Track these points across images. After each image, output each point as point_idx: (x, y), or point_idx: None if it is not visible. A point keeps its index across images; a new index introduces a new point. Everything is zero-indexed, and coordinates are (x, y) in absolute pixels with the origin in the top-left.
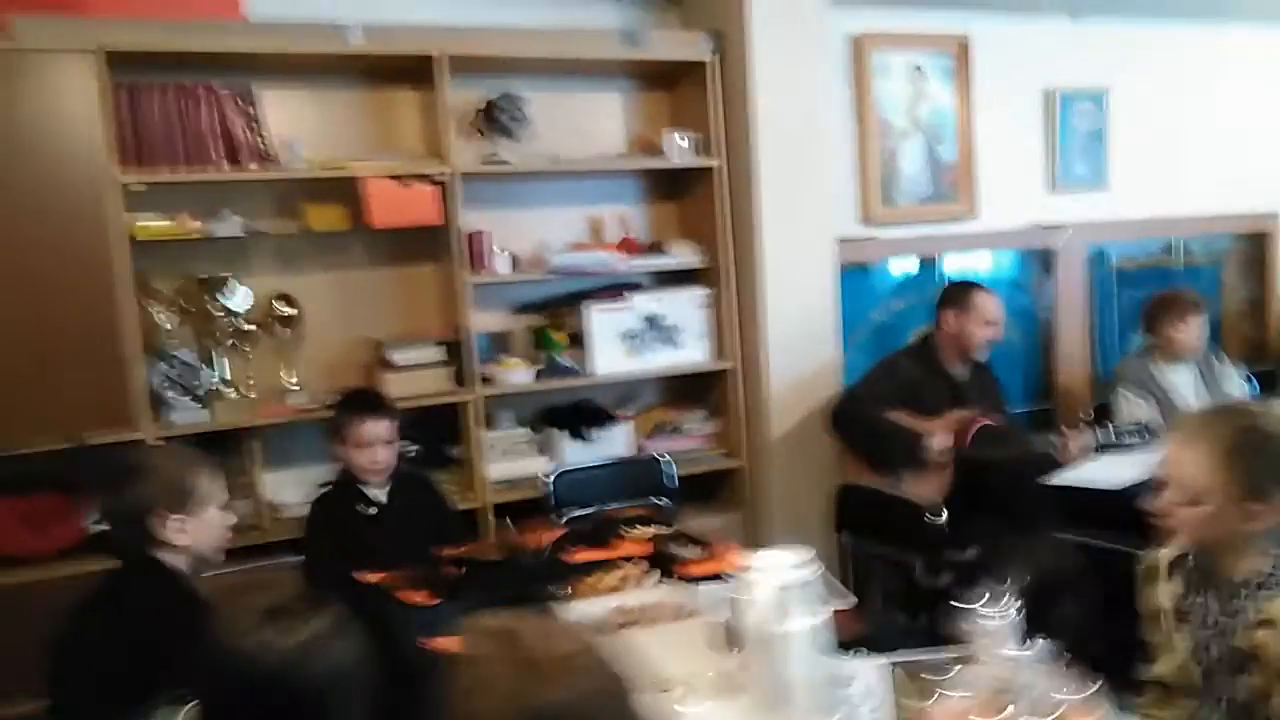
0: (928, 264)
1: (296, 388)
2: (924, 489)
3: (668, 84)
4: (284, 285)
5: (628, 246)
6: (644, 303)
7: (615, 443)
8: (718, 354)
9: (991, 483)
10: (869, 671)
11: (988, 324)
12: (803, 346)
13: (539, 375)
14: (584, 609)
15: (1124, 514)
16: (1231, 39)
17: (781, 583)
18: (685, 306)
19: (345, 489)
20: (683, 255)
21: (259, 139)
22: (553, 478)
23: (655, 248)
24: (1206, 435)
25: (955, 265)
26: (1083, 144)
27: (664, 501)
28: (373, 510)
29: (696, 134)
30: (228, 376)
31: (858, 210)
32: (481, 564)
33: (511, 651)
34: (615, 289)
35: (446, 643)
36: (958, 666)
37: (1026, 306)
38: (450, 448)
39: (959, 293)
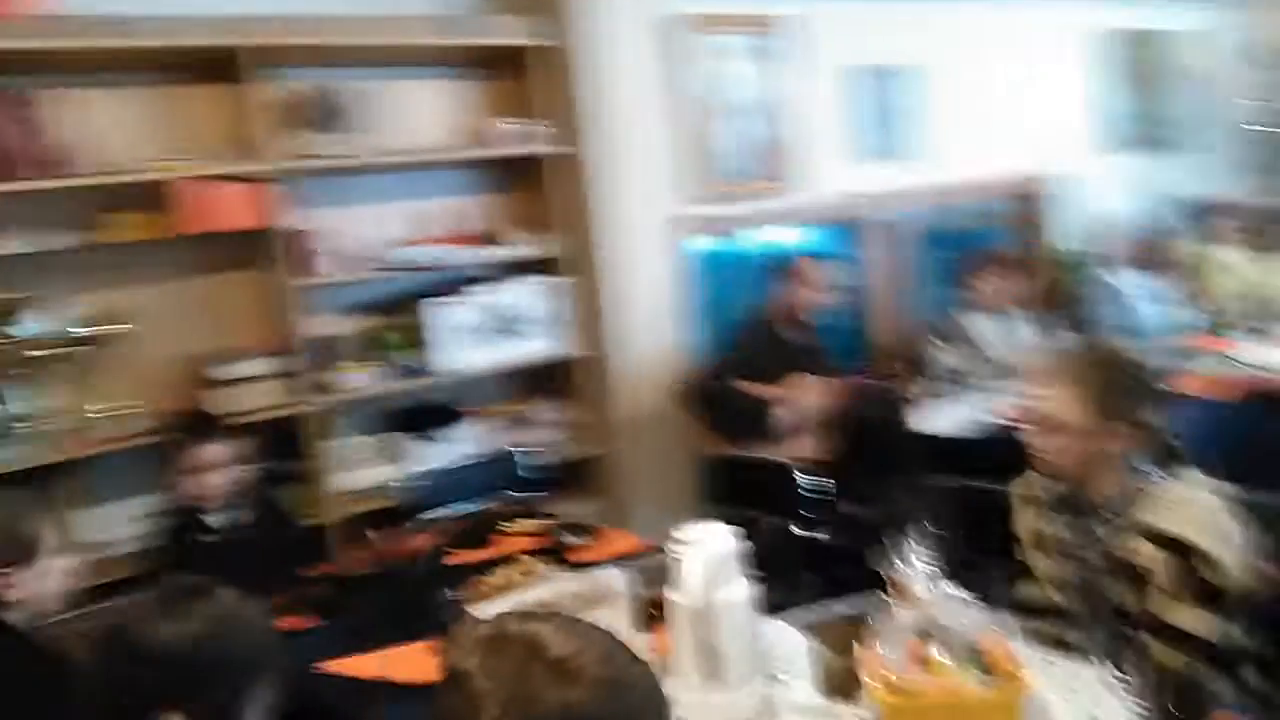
0: (758, 238)
1: (111, 415)
2: (794, 451)
3: (496, 71)
4: (91, 304)
5: (466, 239)
6: (487, 296)
7: (468, 441)
8: (566, 343)
9: (870, 437)
10: (791, 634)
11: (817, 289)
12: (650, 328)
13: (381, 378)
14: (491, 609)
15: (975, 454)
16: (1022, 17)
17: (713, 555)
18: (529, 297)
19: (184, 518)
20: (522, 245)
21: (40, 146)
22: (408, 483)
23: (494, 239)
24: (1071, 370)
25: (782, 238)
26: (888, 117)
27: (526, 495)
28: (215, 538)
29: (526, 121)
30: (26, 410)
31: (686, 189)
32: (356, 579)
33: (534, 654)
34: (455, 284)
35: (345, 664)
36: (876, 616)
37: (845, 274)
38: (294, 463)
39: (783, 262)
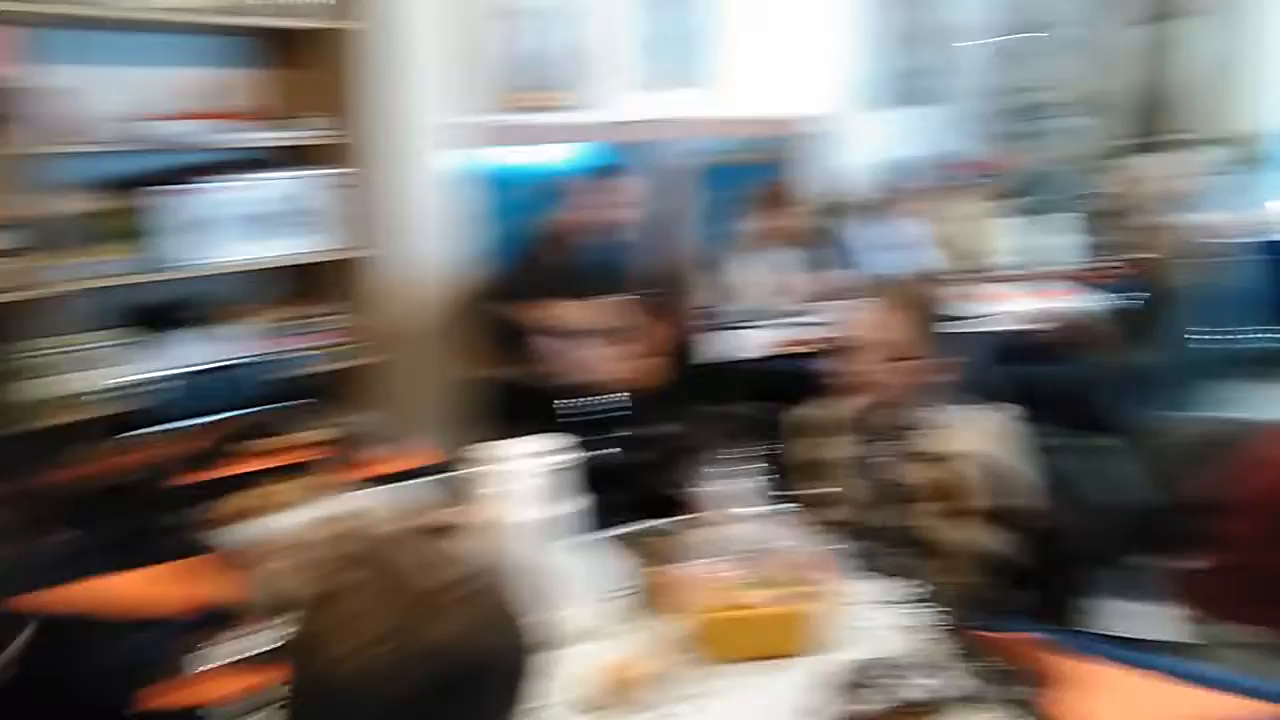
0: (544, 156)
1: None
2: (576, 374)
3: None
4: None
5: (228, 117)
6: (263, 183)
7: (231, 343)
8: (336, 241)
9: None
10: (598, 552)
11: (603, 204)
12: (429, 233)
13: (122, 267)
14: (277, 524)
15: (765, 381)
16: None
17: (536, 471)
18: (297, 188)
19: None
20: (292, 130)
21: None
22: (152, 388)
23: (261, 121)
24: (902, 301)
25: (568, 156)
26: (680, 42)
27: (285, 406)
28: None
29: None
30: None
31: (476, 93)
32: (94, 493)
33: (389, 582)
34: (214, 167)
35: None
36: (678, 535)
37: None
38: (12, 359)
39: (572, 178)
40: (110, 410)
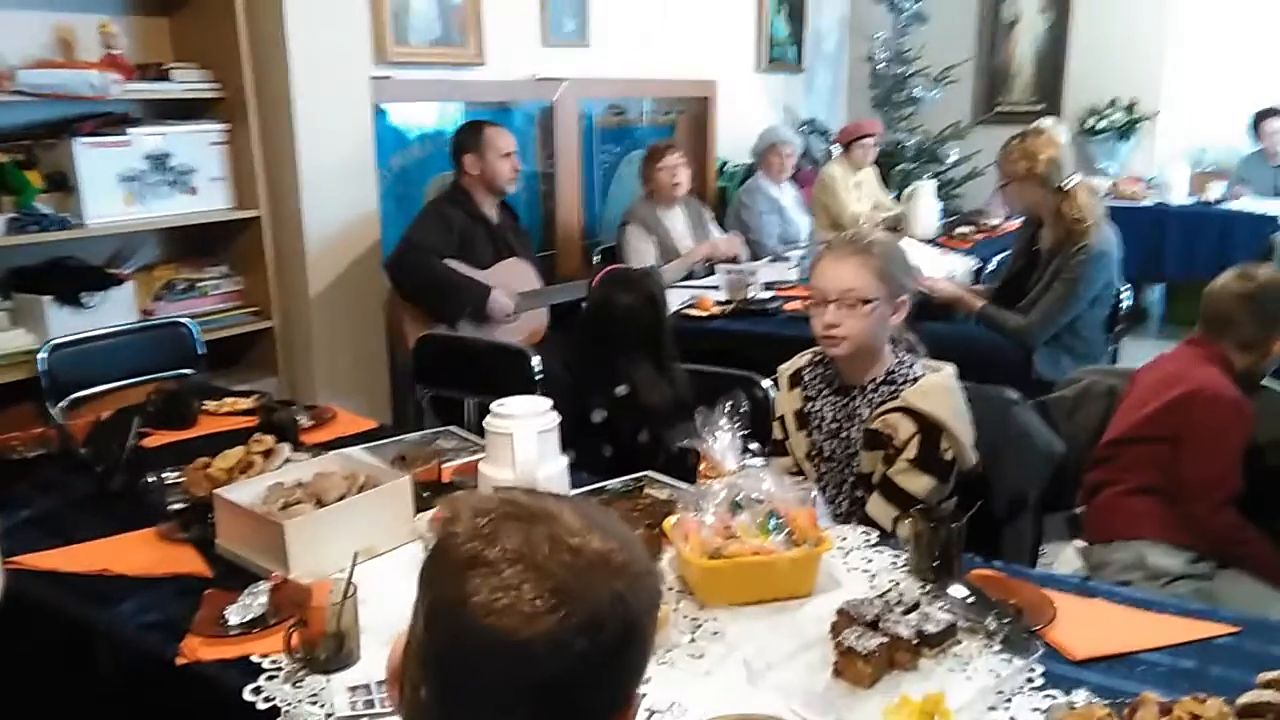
0: (446, 114)
1: None
2: (512, 334)
3: None
4: None
5: (117, 66)
6: (146, 138)
7: (117, 308)
8: (239, 201)
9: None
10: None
11: (505, 156)
12: (339, 192)
13: (11, 226)
14: (241, 492)
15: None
16: None
17: (535, 428)
18: (197, 144)
19: None
20: (190, 82)
21: None
22: (45, 354)
23: (153, 70)
24: (857, 249)
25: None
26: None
27: (190, 372)
28: None
29: None
30: None
31: (372, 48)
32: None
33: (550, 544)
34: (106, 120)
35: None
36: (686, 483)
37: (528, 159)
38: None
39: (472, 132)
40: (17, 375)
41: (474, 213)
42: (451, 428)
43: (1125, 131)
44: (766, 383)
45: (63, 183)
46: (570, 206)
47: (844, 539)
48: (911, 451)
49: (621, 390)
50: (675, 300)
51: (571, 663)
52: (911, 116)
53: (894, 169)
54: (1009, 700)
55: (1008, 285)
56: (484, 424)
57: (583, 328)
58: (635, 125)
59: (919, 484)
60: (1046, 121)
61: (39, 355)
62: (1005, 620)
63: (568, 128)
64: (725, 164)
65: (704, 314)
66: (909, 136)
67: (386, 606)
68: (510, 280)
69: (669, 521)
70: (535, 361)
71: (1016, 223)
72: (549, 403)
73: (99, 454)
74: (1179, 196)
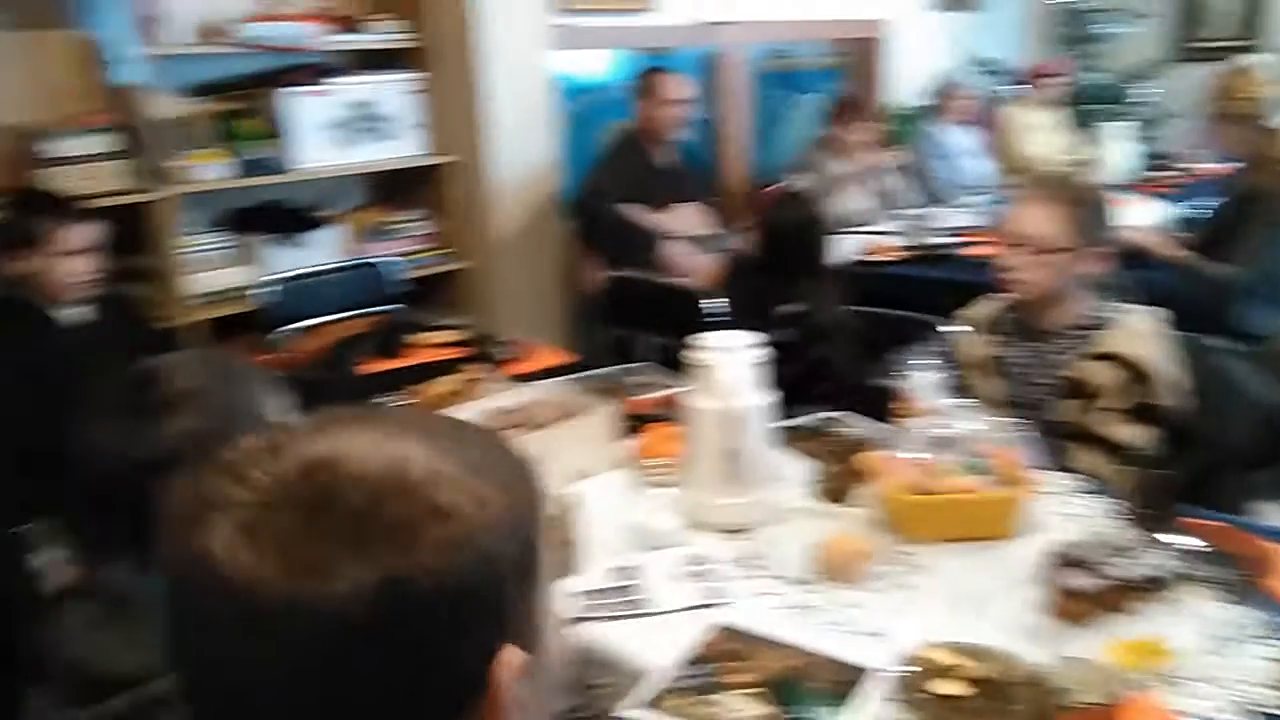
0: (612, 63)
1: None
2: (685, 276)
3: None
4: None
5: (325, 19)
6: (350, 88)
7: (324, 248)
8: (435, 147)
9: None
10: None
11: (670, 103)
12: (523, 137)
13: (230, 171)
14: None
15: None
16: None
17: (743, 361)
18: (394, 93)
19: (22, 312)
20: (386, 33)
21: None
22: (265, 289)
23: (355, 23)
24: (1053, 195)
25: (637, 60)
26: None
27: (390, 308)
28: (71, 336)
29: None
30: None
31: None
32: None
33: None
34: (312, 70)
35: None
36: (891, 421)
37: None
38: (141, 258)
39: (643, 79)
40: (236, 309)
41: (646, 158)
42: (642, 363)
43: None
44: (947, 328)
45: (273, 129)
46: (737, 152)
47: (1048, 484)
48: (1119, 400)
49: (794, 309)
50: (851, 246)
51: None
52: (1100, 55)
53: (1082, 110)
54: (1227, 648)
55: (1212, 232)
56: (687, 357)
57: (758, 247)
58: (801, 69)
59: (1129, 433)
60: (1250, 58)
61: (258, 291)
62: (1225, 568)
63: (733, 72)
64: (899, 107)
65: (881, 259)
66: (1098, 76)
67: (599, 522)
68: (682, 224)
69: (862, 457)
70: (709, 303)
71: (1218, 166)
72: (755, 336)
73: (328, 379)
74: None
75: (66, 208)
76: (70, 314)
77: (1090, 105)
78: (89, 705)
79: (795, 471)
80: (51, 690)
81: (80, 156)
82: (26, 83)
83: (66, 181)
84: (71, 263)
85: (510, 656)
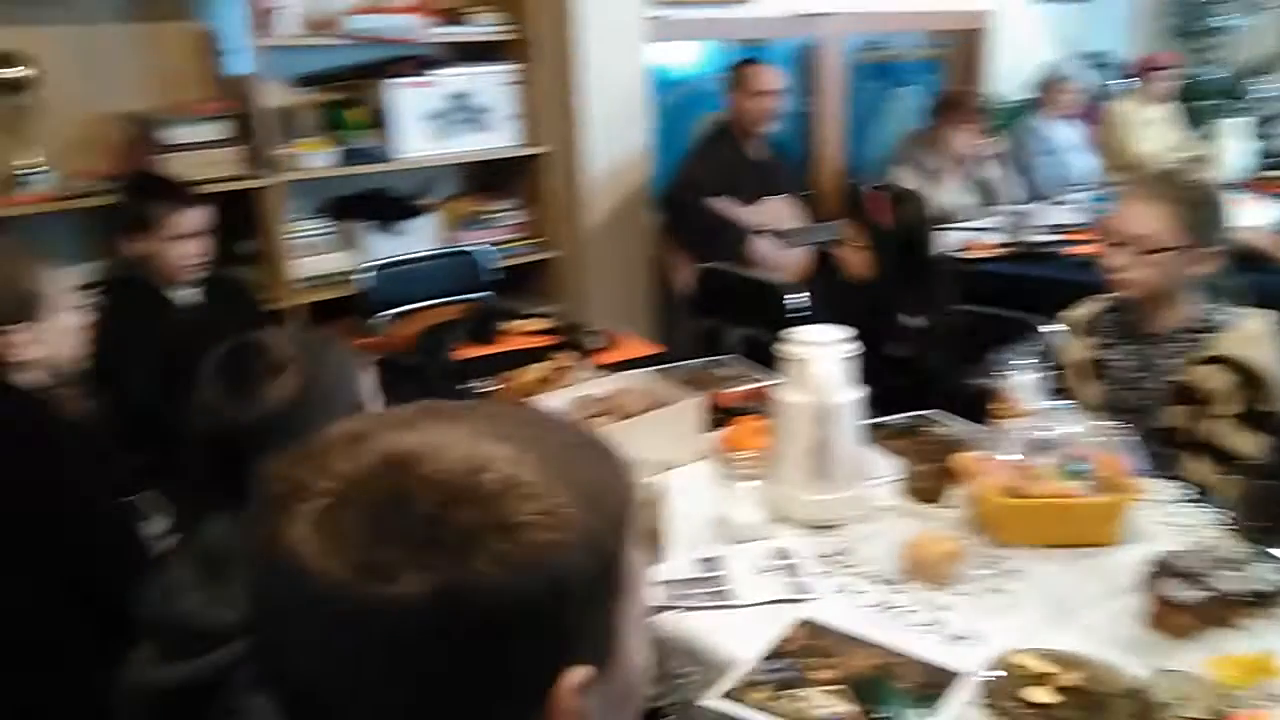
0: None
1: (39, 171)
2: (775, 270)
3: None
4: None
5: (428, 11)
6: (449, 79)
7: (422, 236)
8: (530, 137)
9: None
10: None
11: (760, 94)
12: (616, 129)
13: (335, 159)
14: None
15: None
16: None
17: (836, 356)
18: (492, 84)
19: (141, 292)
20: (486, 25)
21: None
22: (365, 274)
23: (454, 14)
24: (1162, 192)
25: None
26: None
27: (482, 295)
28: (186, 316)
29: None
30: None
31: None
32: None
33: None
34: (409, 61)
35: None
36: (988, 422)
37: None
38: (250, 242)
39: (733, 71)
40: (339, 293)
41: (737, 151)
42: (730, 356)
43: None
44: (1047, 328)
45: (377, 121)
46: (831, 145)
47: (1151, 491)
48: (1233, 406)
49: (915, 323)
50: (950, 242)
51: None
52: (1216, 48)
53: (1195, 106)
54: None
55: None
56: (780, 350)
57: (870, 260)
58: (899, 61)
59: (1243, 441)
60: None
61: (359, 276)
62: None
63: (829, 64)
64: (1003, 100)
65: (979, 255)
66: (1212, 70)
67: (685, 513)
68: (772, 218)
69: (958, 458)
70: (799, 298)
71: None
72: (847, 331)
73: (424, 363)
74: None
75: (180, 193)
76: (182, 295)
77: (1203, 100)
78: (189, 660)
79: (885, 469)
80: (153, 646)
81: (194, 143)
82: (145, 72)
83: (180, 167)
84: (184, 246)
85: (574, 676)
